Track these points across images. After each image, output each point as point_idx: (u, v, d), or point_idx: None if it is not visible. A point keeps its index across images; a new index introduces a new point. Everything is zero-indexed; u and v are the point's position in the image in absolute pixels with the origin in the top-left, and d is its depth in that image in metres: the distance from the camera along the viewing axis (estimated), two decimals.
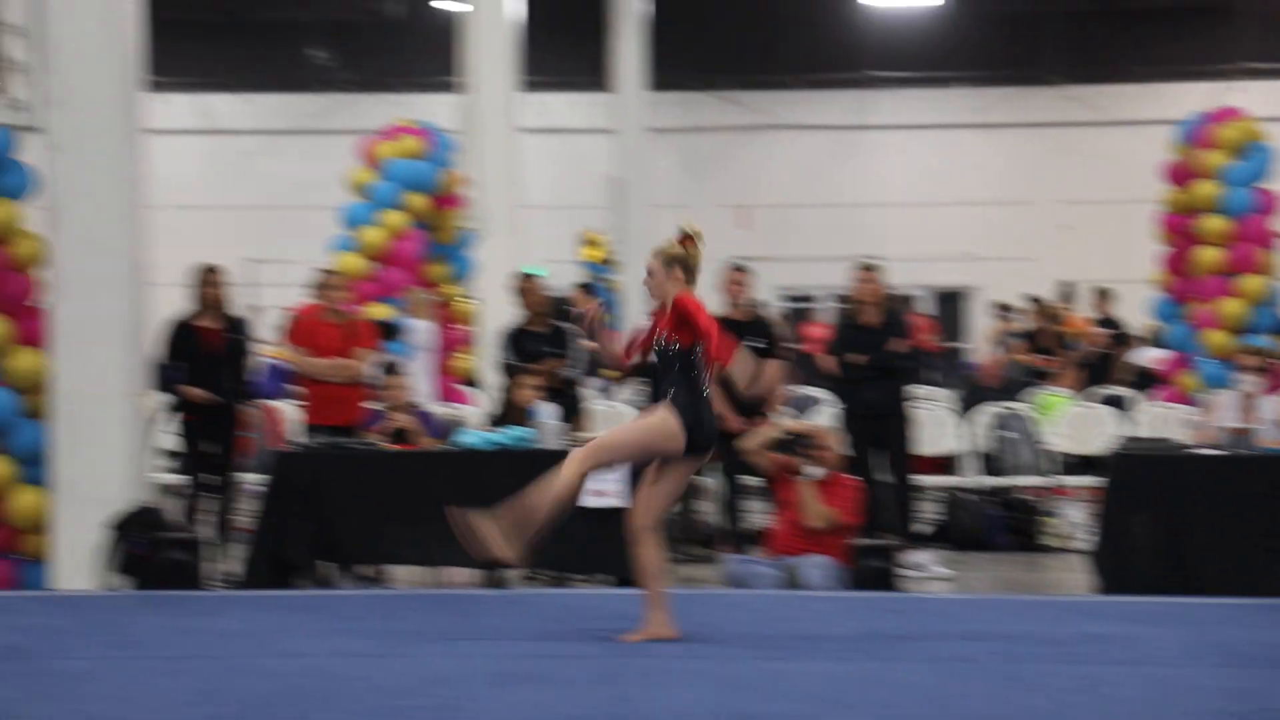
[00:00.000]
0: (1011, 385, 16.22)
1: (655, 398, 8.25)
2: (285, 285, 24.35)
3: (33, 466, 10.40)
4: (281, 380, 15.82)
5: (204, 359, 11.33)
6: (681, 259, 8.21)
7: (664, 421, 8.03)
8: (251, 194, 32.77)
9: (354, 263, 14.59)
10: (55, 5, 10.30)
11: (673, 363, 8.13)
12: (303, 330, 11.92)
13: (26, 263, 10.42)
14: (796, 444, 11.29)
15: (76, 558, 10.27)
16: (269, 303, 29.87)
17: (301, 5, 31.29)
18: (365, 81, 32.96)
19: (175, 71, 30.07)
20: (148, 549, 10.17)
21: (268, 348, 18.49)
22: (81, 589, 10.13)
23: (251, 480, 11.77)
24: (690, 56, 29.07)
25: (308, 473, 10.54)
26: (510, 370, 12.11)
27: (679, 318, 8.02)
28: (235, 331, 11.53)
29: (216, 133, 33.76)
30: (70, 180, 10.35)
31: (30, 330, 10.44)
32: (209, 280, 11.50)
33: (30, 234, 10.40)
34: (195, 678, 7.24)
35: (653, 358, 8.22)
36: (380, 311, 14.10)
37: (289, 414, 13.49)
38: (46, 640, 8.25)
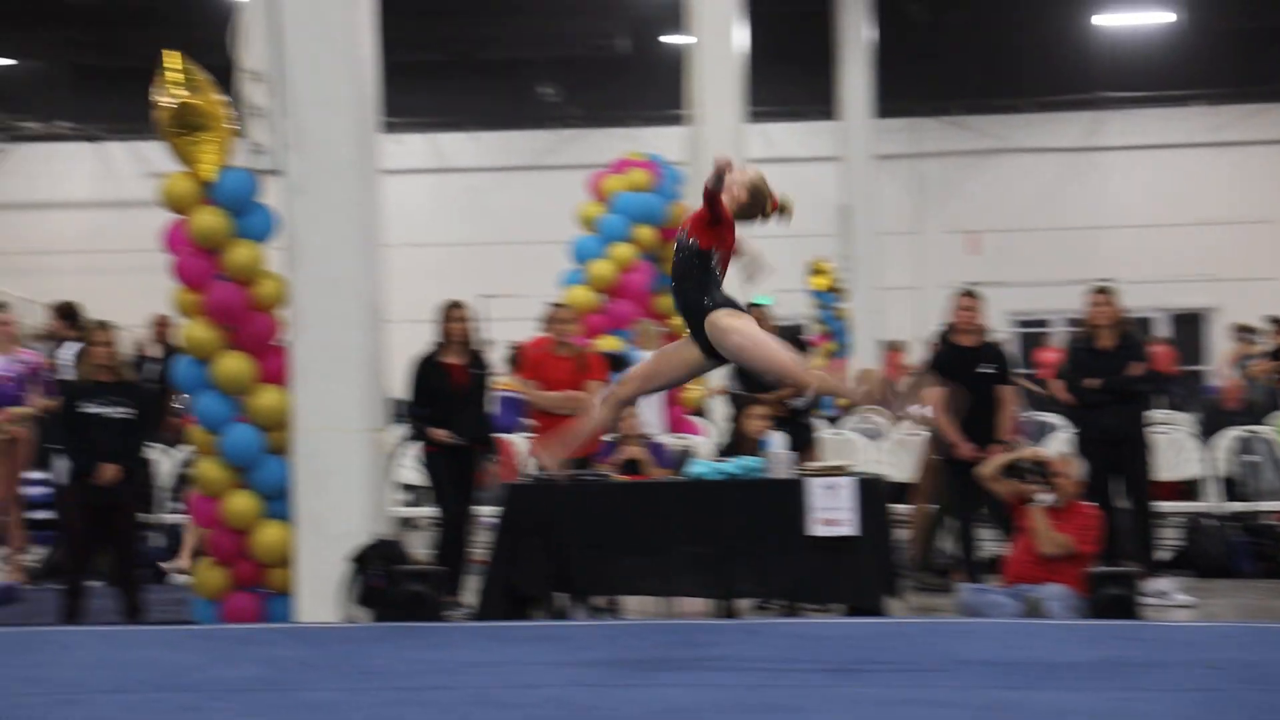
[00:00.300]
0: (1254, 408, 15.84)
1: (685, 304, 8.02)
2: (515, 319, 24.65)
3: (276, 502, 10.64)
4: (514, 413, 16.00)
5: (450, 395, 11.52)
6: (758, 189, 8.11)
7: (739, 322, 7.87)
8: (482, 230, 33.21)
9: (583, 296, 14.72)
10: (294, 51, 10.56)
11: (692, 260, 8.01)
12: (533, 363, 12.05)
13: (270, 303, 10.67)
14: (1031, 471, 11.14)
15: (319, 591, 10.48)
16: (499, 337, 30.22)
17: (529, 43, 31.67)
18: (593, 116, 33.27)
19: (407, 112, 30.60)
20: (387, 582, 10.34)
21: (500, 381, 18.71)
22: (324, 621, 10.33)
23: (486, 512, 11.92)
24: (917, 82, 28.87)
25: (540, 505, 10.64)
26: (738, 400, 12.11)
27: (710, 219, 7.93)
28: (479, 367, 11.71)
29: (447, 171, 34.29)
30: (308, 221, 10.59)
31: (273, 368, 10.69)
32: (454, 316, 11.70)
33: (273, 274, 10.66)
34: (437, 709, 7.34)
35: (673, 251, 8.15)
36: (609, 344, 14.19)
37: (521, 447, 13.64)
38: (293, 672, 8.43)
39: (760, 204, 8.19)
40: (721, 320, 7.92)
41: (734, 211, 8.11)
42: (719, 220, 8.02)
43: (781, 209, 8.24)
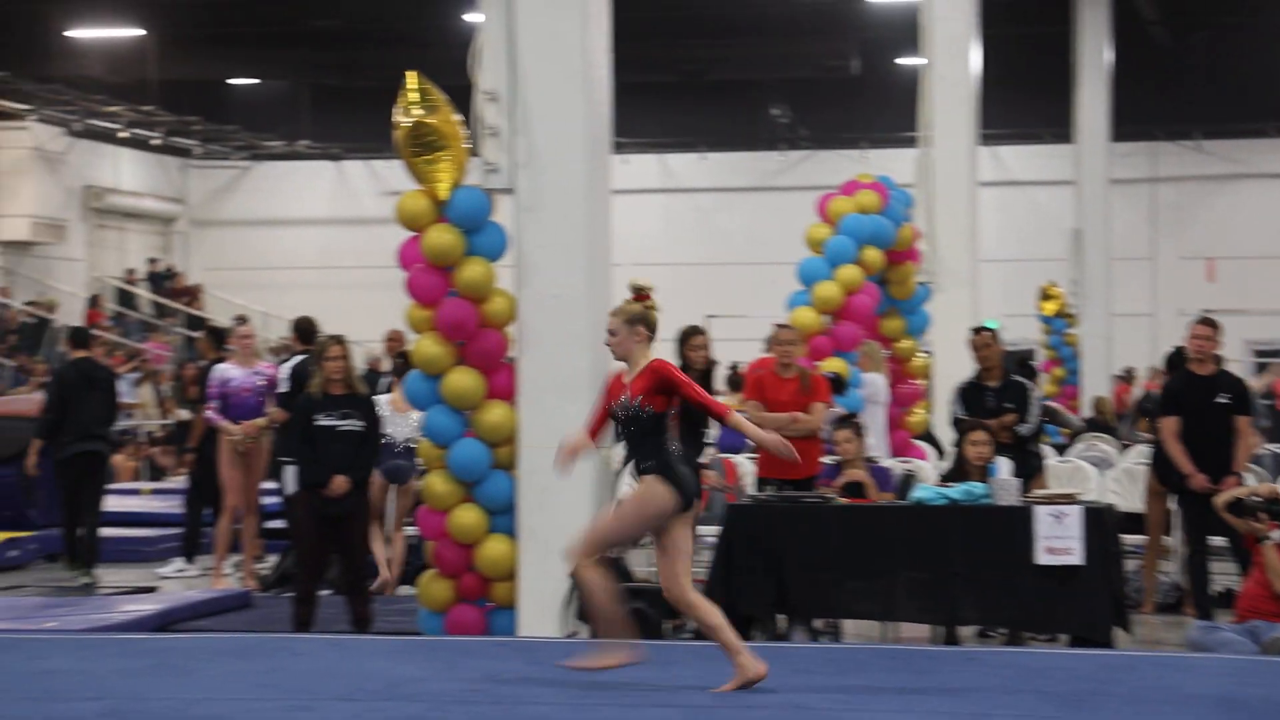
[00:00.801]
0: None
1: (629, 462, 8.36)
2: (740, 340, 24.66)
3: (502, 516, 10.77)
4: (736, 434, 16.01)
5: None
6: (643, 317, 8.35)
7: (650, 494, 8.18)
8: (709, 250, 33.30)
9: (808, 317, 14.69)
10: (529, 71, 10.69)
11: (645, 425, 8.25)
12: (758, 384, 12.06)
13: (500, 320, 10.81)
14: (1263, 508, 10.87)
15: (541, 606, 10.57)
16: (724, 357, 30.25)
17: (761, 65, 31.73)
18: (823, 137, 33.21)
19: (637, 132, 30.84)
20: None
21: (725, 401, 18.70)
22: (546, 636, 10.42)
23: (707, 532, 11.95)
24: (1155, 105, 28.39)
25: (761, 526, 10.64)
26: (961, 425, 12.00)
27: (659, 384, 8.14)
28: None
29: (676, 191, 34.43)
30: (538, 239, 10.71)
31: (501, 384, 10.82)
32: (695, 344, 11.86)
33: (503, 292, 10.80)
34: None
35: (617, 419, 8.32)
36: (834, 366, 14.14)
37: (744, 467, 13.65)
38: (515, 686, 8.52)
39: (652, 322, 8.45)
40: (642, 486, 8.30)
41: (648, 348, 8.37)
42: (664, 388, 8.27)
43: (646, 292, 8.48)
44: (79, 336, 15.47)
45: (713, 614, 8.28)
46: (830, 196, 15.55)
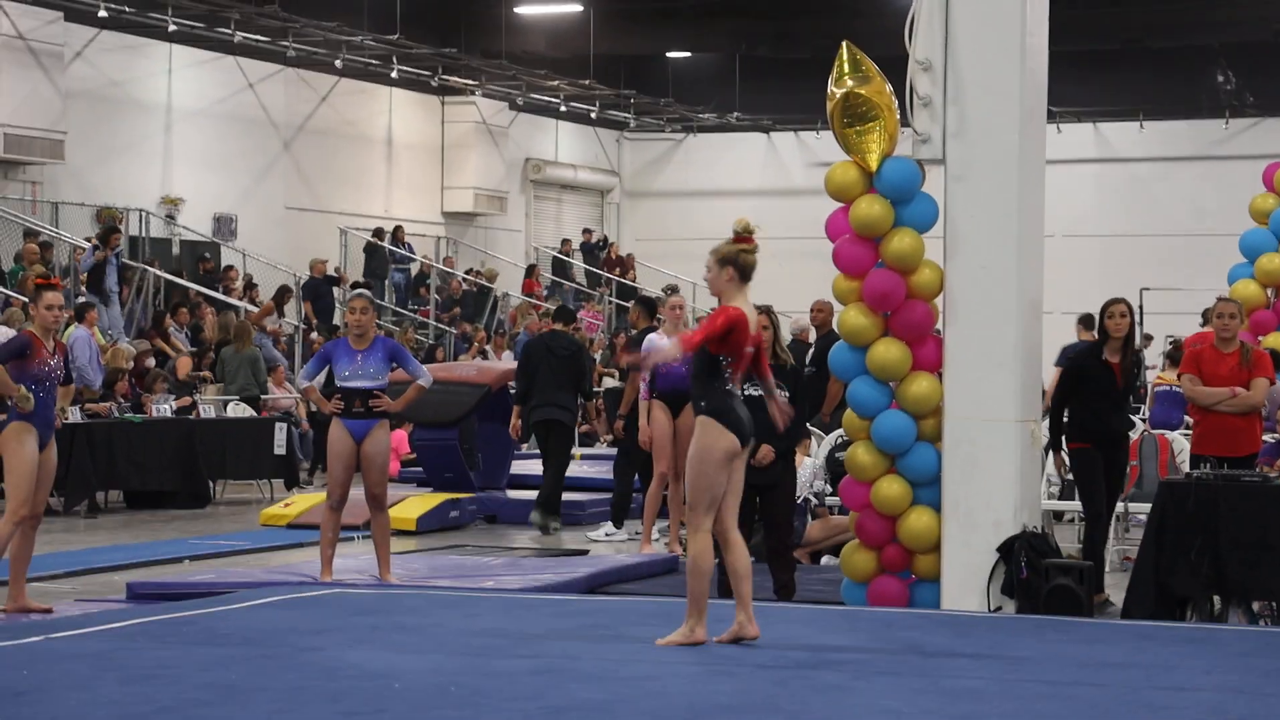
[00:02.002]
0: None
1: (693, 400, 8.72)
2: (1175, 314, 23.98)
3: (926, 489, 10.70)
4: (1173, 409, 15.58)
5: (1108, 392, 11.45)
6: (734, 258, 8.52)
7: (707, 438, 8.42)
8: (1144, 222, 32.46)
9: (1250, 290, 14.17)
10: (962, 39, 10.56)
11: (701, 365, 8.51)
12: (1196, 358, 11.69)
13: (927, 291, 10.74)
14: None
15: (965, 579, 10.48)
16: (1159, 331, 29.49)
17: (1203, 30, 30.72)
18: (1269, 104, 32.01)
19: (1072, 100, 30.23)
20: (1035, 574, 10.26)
21: (1159, 376, 18.23)
22: (969, 610, 10.33)
23: (1139, 510, 11.65)
24: None
25: (1196, 504, 10.32)
26: None
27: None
28: (1136, 364, 11.66)
29: (1111, 160, 33.64)
30: (968, 210, 10.59)
31: (927, 357, 10.75)
32: (1115, 313, 11.59)
33: (931, 263, 10.72)
34: (1084, 705, 7.26)
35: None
36: (1276, 340, 13.62)
37: (1179, 443, 13.27)
38: (939, 659, 8.48)
39: (745, 264, 8.69)
40: (698, 430, 8.60)
41: (736, 293, 8.64)
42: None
43: (748, 234, 8.32)
44: (561, 314, 17.16)
45: (744, 562, 8.71)
46: (1277, 166, 14.96)
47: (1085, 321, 19.45)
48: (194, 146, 28.51)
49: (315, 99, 30.88)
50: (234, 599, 10.42)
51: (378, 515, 11.74)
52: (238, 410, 20.60)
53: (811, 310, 16.36)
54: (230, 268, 27.50)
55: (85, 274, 22.38)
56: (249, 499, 19.71)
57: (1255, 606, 10.63)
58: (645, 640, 8.81)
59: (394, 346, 11.90)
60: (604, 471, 17.78)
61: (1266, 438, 11.62)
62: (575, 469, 17.95)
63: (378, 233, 31.25)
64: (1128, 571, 10.98)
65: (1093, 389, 11.51)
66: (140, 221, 27.01)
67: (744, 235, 8.79)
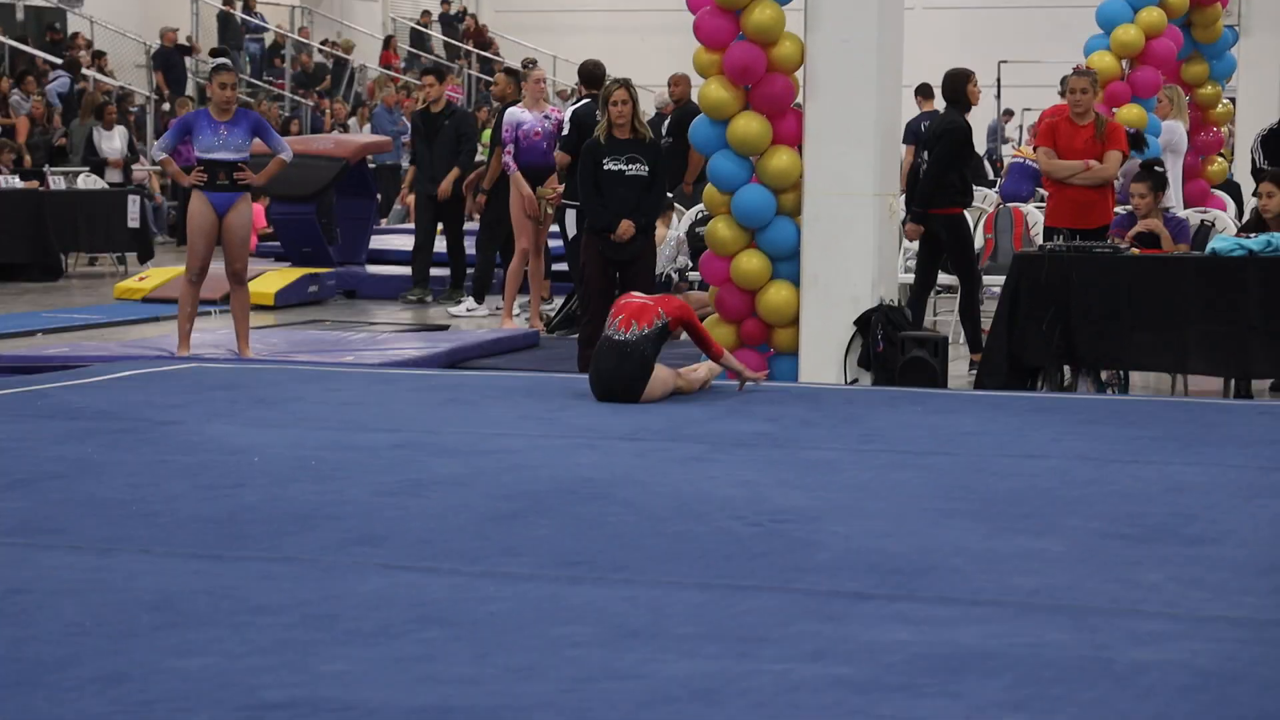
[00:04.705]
0: None
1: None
2: (1033, 86, 24.08)
3: (785, 263, 10.77)
4: (1028, 182, 15.70)
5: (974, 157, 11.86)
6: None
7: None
8: None
9: (1107, 62, 14.24)
10: None
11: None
12: (1050, 131, 11.78)
13: (788, 65, 10.70)
14: None
15: (823, 352, 10.61)
16: (1018, 104, 29.60)
17: None
18: None
19: None
20: (891, 346, 10.39)
21: (1015, 149, 18.37)
22: (826, 382, 10.47)
23: (993, 282, 11.81)
24: None
25: (1049, 275, 10.47)
26: (1260, 175, 11.59)
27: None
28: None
29: None
30: None
31: (787, 130, 10.75)
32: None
33: (792, 36, 10.66)
34: (935, 473, 7.40)
35: None
36: (1131, 112, 13.74)
37: (1034, 216, 13.42)
38: (796, 430, 8.60)
39: None
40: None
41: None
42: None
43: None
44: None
45: None
46: None
47: (923, 91, 19.52)
48: None
49: None
50: (89, 373, 10.33)
51: (237, 290, 11.64)
52: (88, 182, 20.26)
53: (669, 83, 16.27)
54: (77, 34, 26.81)
55: None
56: (102, 272, 19.45)
57: (1103, 376, 10.87)
58: (505, 415, 8.86)
59: (257, 119, 11.71)
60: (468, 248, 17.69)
61: (1118, 210, 11.77)
62: (438, 243, 17.87)
63: (229, 1, 30.54)
64: None
65: (968, 154, 11.75)
66: None
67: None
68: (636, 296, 9.58)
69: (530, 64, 14.95)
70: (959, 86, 11.91)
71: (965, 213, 11.97)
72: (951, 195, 11.77)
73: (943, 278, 14.69)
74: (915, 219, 11.87)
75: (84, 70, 24.72)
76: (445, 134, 15.82)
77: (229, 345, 11.83)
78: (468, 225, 16.33)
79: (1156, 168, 11.51)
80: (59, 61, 24.65)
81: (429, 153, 15.93)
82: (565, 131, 13.31)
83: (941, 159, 11.77)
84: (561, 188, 13.63)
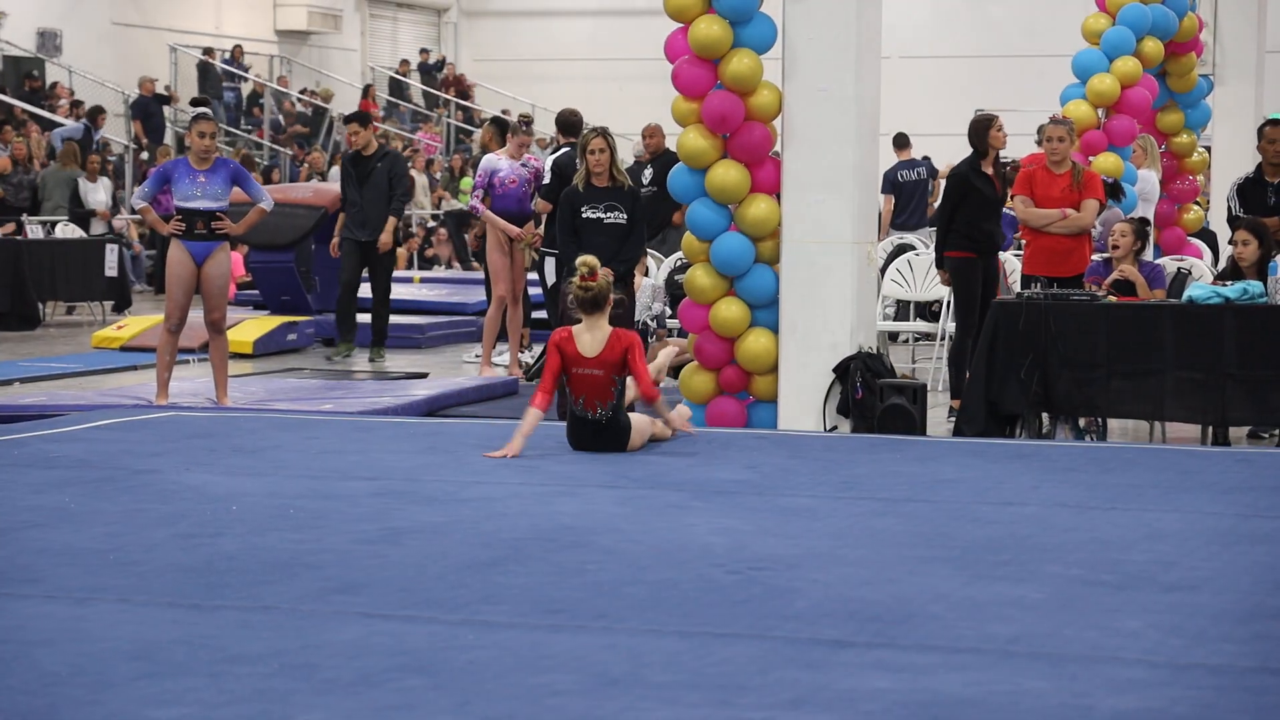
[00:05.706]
0: None
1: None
2: (1013, 135, 24.12)
3: (764, 311, 10.79)
4: (1006, 229, 15.75)
5: (992, 200, 11.98)
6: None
7: None
8: (981, 43, 32.56)
9: (1083, 111, 14.33)
10: None
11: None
12: (1028, 179, 11.84)
13: (766, 114, 10.74)
14: None
15: (802, 400, 10.62)
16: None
17: None
18: None
19: None
20: (870, 393, 10.41)
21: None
22: (805, 430, 10.48)
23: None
24: None
25: (1027, 323, 10.50)
26: (1236, 223, 11.65)
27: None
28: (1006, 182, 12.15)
29: None
30: (805, 31, 10.57)
31: (765, 179, 10.78)
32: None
33: (770, 85, 10.71)
34: (915, 521, 7.40)
35: None
36: (1108, 161, 13.81)
37: (1011, 263, 13.46)
38: (775, 477, 8.60)
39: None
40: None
41: None
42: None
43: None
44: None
45: None
46: None
47: (899, 141, 19.63)
48: None
49: None
50: (66, 421, 10.31)
51: (216, 338, 11.62)
52: (65, 232, 20.25)
53: (643, 134, 16.32)
54: (56, 84, 26.83)
55: None
56: (80, 321, 19.41)
57: (1081, 422, 10.90)
58: (485, 463, 8.85)
59: (236, 168, 11.70)
60: (445, 295, 17.70)
61: (1095, 257, 11.82)
62: (415, 292, 17.86)
63: (208, 51, 30.59)
64: None
65: (977, 200, 11.79)
66: None
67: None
68: (587, 367, 9.12)
69: (527, 121, 14.87)
70: (980, 132, 12.00)
71: (977, 257, 11.93)
72: (958, 240, 11.88)
73: (920, 325, 14.76)
74: (937, 263, 12.15)
75: (62, 119, 24.74)
76: (377, 177, 15.19)
77: (207, 394, 11.81)
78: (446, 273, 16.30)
79: (1146, 227, 11.76)
80: (38, 111, 24.67)
81: (359, 197, 15.23)
82: (547, 180, 13.34)
83: (943, 205, 12.16)
84: (541, 230, 13.65)
